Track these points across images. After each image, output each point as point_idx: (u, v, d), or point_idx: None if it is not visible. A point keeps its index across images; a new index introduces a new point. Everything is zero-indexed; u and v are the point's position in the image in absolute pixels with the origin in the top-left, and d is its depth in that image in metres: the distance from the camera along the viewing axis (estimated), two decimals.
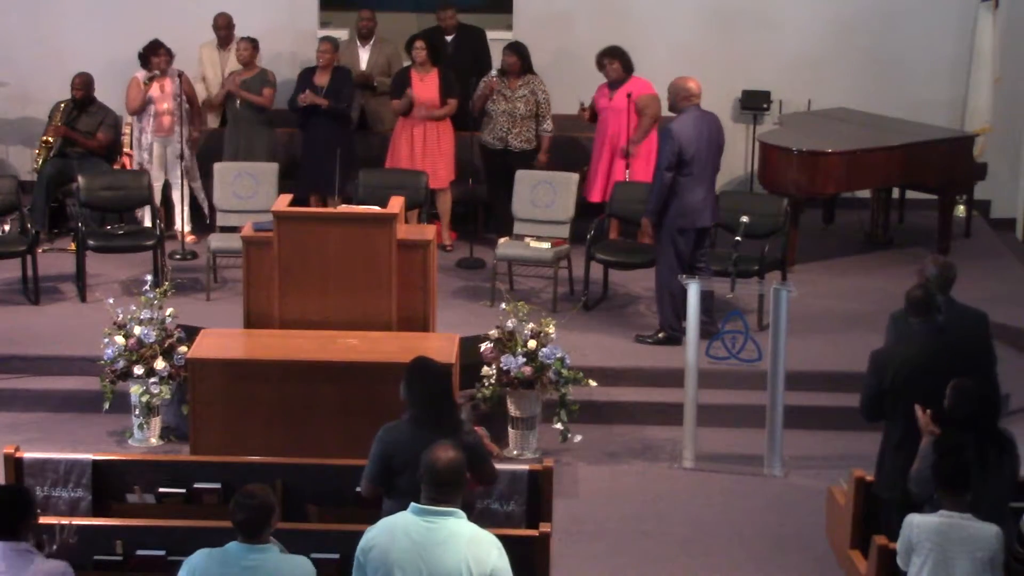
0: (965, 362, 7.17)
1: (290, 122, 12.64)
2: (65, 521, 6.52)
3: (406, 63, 12.47)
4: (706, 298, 10.01)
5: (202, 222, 12.52)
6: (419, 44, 12.25)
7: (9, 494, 5.98)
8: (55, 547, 6.29)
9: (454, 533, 5.52)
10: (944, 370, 7.04)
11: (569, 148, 12.76)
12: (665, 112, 12.13)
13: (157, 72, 12.10)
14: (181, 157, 12.20)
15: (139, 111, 12.21)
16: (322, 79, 12.28)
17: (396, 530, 5.58)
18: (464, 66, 12.63)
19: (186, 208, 12.42)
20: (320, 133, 12.18)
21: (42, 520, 6.35)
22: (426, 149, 12.20)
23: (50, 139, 12.41)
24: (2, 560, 5.78)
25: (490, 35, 13.22)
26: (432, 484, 5.58)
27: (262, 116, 12.38)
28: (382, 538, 5.59)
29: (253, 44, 12.38)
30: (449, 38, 12.94)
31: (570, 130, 12.79)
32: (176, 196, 12.39)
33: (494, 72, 12.15)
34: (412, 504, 5.61)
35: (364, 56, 12.96)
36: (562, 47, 13.49)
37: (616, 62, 11.84)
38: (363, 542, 5.65)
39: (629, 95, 11.69)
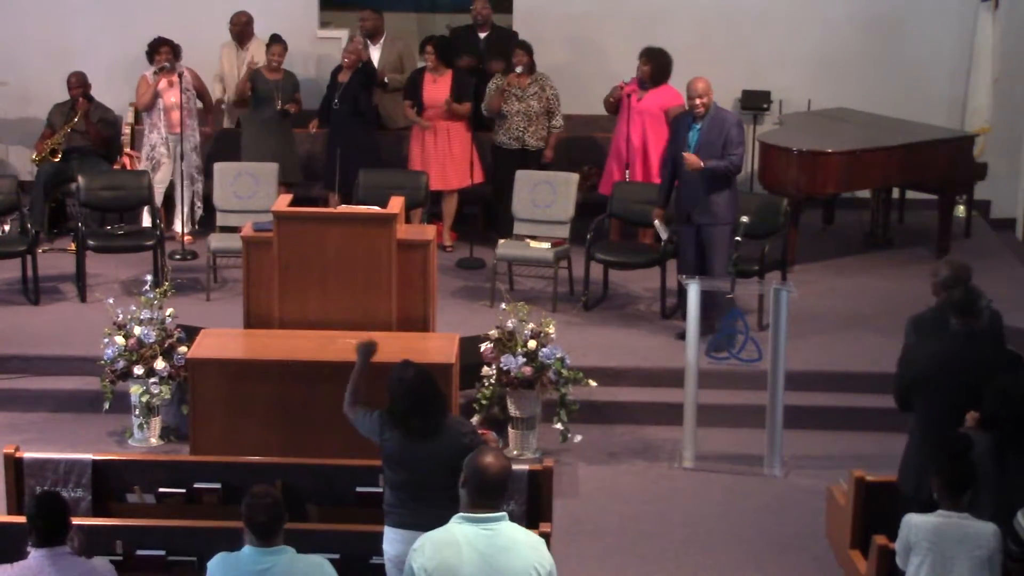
0: (994, 369, 7.08)
1: (300, 123, 12.60)
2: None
3: (420, 63, 12.48)
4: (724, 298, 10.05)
5: (193, 225, 12.53)
6: (428, 48, 12.26)
7: (51, 502, 5.99)
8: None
9: (514, 537, 5.47)
10: (970, 375, 7.02)
11: (572, 147, 12.75)
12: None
13: (166, 65, 12.09)
14: (181, 156, 12.20)
15: (150, 107, 12.21)
16: (344, 77, 12.26)
17: (458, 543, 5.43)
18: (494, 66, 12.58)
19: (186, 208, 12.42)
20: (343, 132, 12.17)
21: None
22: (436, 151, 12.20)
23: (59, 150, 12.37)
24: (49, 566, 5.80)
25: None
26: (481, 491, 5.47)
27: (289, 119, 12.38)
28: (446, 554, 5.41)
29: (285, 47, 12.36)
30: (483, 35, 12.93)
31: (573, 130, 12.78)
32: (177, 196, 12.38)
33: (519, 69, 12.09)
34: (460, 515, 5.49)
35: (375, 54, 12.92)
36: (562, 47, 13.48)
37: (647, 65, 11.73)
38: (422, 562, 5.43)
39: (629, 96, 11.66)
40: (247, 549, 5.77)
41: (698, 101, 10.22)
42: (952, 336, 7.32)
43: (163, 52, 12.17)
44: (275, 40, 12.41)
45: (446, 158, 12.21)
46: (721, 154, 10.17)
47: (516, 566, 5.42)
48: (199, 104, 12.42)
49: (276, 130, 12.34)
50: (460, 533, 5.45)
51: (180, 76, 12.13)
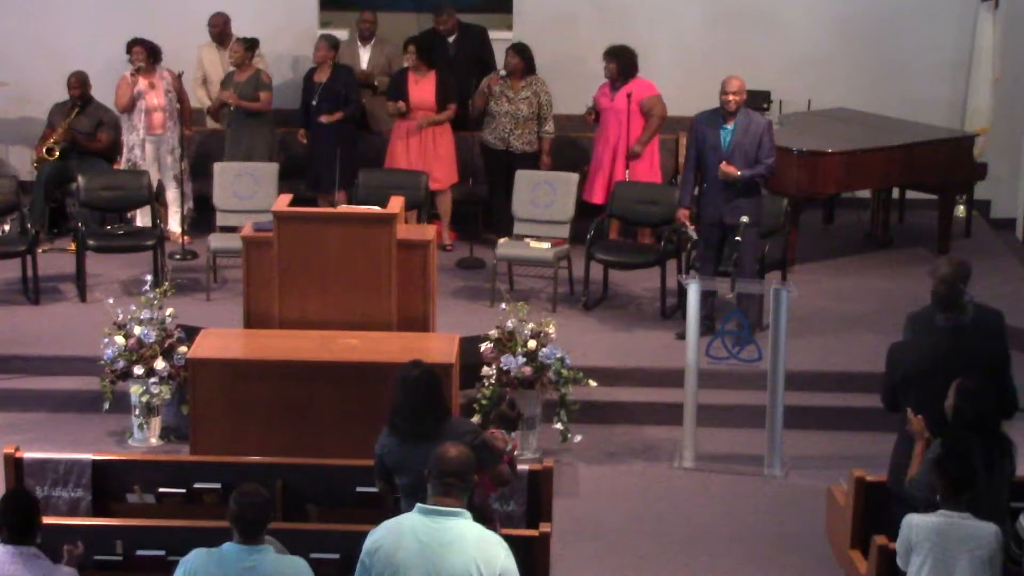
0: (982, 363, 7.14)
1: (290, 122, 12.63)
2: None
3: (406, 64, 12.48)
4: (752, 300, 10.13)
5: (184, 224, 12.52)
6: (410, 48, 12.23)
7: (22, 499, 6.00)
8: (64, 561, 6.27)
9: (461, 534, 5.49)
10: (958, 370, 7.04)
11: (570, 149, 12.74)
12: (675, 112, 12.10)
13: (141, 66, 12.08)
14: (182, 157, 12.18)
15: (128, 108, 12.20)
16: (321, 77, 12.28)
17: (402, 531, 5.53)
18: (467, 66, 12.59)
19: (185, 209, 12.39)
20: (325, 133, 12.17)
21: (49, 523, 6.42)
22: (423, 151, 12.18)
23: (55, 149, 12.36)
24: (14, 564, 5.81)
25: (490, 35, 13.20)
26: (437, 476, 5.56)
27: (260, 118, 12.35)
28: (388, 539, 5.54)
29: (246, 45, 12.34)
30: (451, 39, 12.93)
31: (571, 130, 12.78)
32: (170, 196, 12.38)
33: (503, 71, 12.12)
34: (417, 505, 5.58)
35: (365, 56, 12.96)
36: (563, 47, 13.47)
37: (613, 63, 11.79)
38: (368, 544, 5.60)
39: (629, 95, 11.66)
40: (230, 546, 5.75)
41: (731, 97, 10.19)
42: (938, 332, 7.34)
43: (135, 52, 12.14)
44: (237, 40, 12.41)
45: (431, 157, 12.19)
46: (755, 158, 10.18)
47: (453, 561, 5.45)
48: (176, 105, 12.35)
49: (249, 129, 12.29)
50: (408, 521, 5.56)
51: (180, 76, 12.10)
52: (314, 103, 12.24)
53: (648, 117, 11.76)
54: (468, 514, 5.57)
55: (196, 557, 5.79)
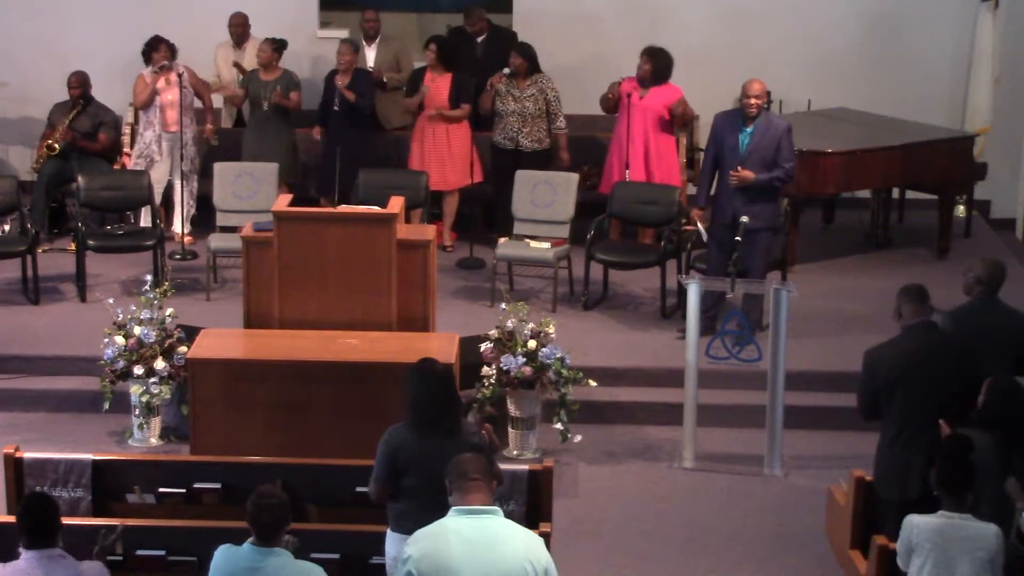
0: (956, 357, 7.21)
1: (308, 123, 12.60)
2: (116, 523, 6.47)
3: (417, 62, 12.44)
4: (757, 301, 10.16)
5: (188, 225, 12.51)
6: (431, 47, 12.26)
7: (42, 502, 5.98)
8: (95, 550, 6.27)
9: (506, 531, 5.49)
10: (935, 365, 7.09)
11: (575, 146, 12.71)
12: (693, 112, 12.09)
13: (165, 64, 12.10)
14: (182, 157, 12.18)
15: (146, 105, 12.21)
16: (343, 81, 12.28)
17: (446, 535, 5.48)
18: (493, 68, 12.56)
19: (184, 208, 12.40)
20: (339, 135, 12.17)
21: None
22: (436, 150, 12.19)
23: (56, 144, 12.37)
24: (39, 568, 5.79)
25: None
26: (461, 477, 5.55)
27: (286, 118, 12.36)
28: (433, 547, 5.47)
29: (274, 46, 12.35)
30: (480, 39, 12.94)
31: (576, 129, 12.76)
32: (176, 196, 12.37)
33: (507, 70, 12.10)
34: (452, 509, 5.54)
35: (371, 55, 12.95)
36: (562, 47, 13.46)
37: (649, 63, 11.66)
38: (412, 553, 5.50)
39: (629, 95, 11.63)
40: (247, 545, 5.80)
41: (753, 101, 10.19)
42: (910, 331, 7.37)
43: (161, 50, 12.17)
44: (265, 40, 12.43)
45: (445, 158, 12.20)
46: (773, 161, 10.18)
47: (507, 558, 5.43)
48: (197, 103, 12.42)
49: (272, 130, 12.31)
50: (451, 524, 5.51)
51: (180, 76, 12.12)
52: (336, 108, 12.22)
53: (675, 115, 11.69)
54: (501, 511, 5.57)
55: (221, 550, 5.85)
